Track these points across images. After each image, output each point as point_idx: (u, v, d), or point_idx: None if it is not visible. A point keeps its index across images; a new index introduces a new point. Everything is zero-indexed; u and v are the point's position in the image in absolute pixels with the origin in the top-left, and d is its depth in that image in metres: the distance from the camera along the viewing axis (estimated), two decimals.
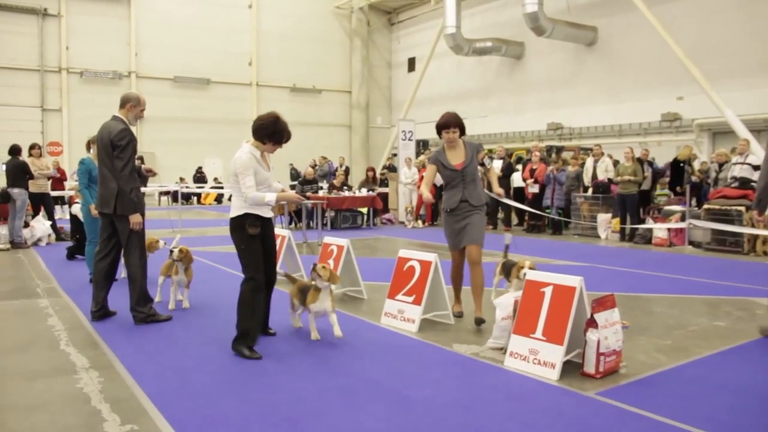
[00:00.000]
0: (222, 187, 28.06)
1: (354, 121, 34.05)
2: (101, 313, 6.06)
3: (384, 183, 19.00)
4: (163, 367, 4.68)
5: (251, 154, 4.90)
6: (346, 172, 20.57)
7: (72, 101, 27.67)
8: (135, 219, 5.83)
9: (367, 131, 34.47)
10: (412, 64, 33.48)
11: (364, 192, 16.63)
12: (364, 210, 16.50)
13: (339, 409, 3.84)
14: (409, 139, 18.68)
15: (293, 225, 15.14)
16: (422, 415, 3.75)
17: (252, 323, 4.92)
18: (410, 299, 5.90)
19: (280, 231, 7.90)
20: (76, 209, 9.66)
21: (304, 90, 32.85)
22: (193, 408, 3.85)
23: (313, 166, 20.71)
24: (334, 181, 16.95)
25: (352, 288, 7.25)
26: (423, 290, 5.81)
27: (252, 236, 4.89)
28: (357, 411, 3.82)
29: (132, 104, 5.95)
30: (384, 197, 18.00)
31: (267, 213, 5.01)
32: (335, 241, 7.29)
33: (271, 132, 4.93)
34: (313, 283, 5.22)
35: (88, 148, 8.37)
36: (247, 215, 4.89)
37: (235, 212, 4.95)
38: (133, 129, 5.99)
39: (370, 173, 18.71)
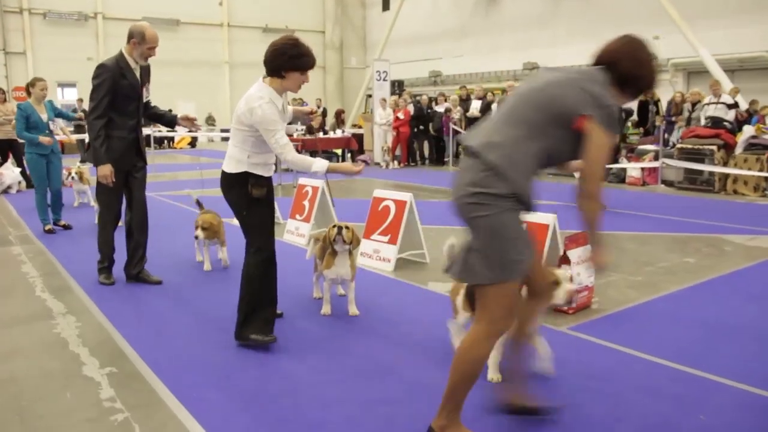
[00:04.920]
0: (195, 131, 27.64)
1: (328, 61, 33.38)
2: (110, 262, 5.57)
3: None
4: (140, 311, 4.69)
5: (272, 103, 3.77)
6: (324, 114, 20.28)
7: (36, 44, 26.62)
8: (102, 171, 5.06)
9: (341, 72, 33.91)
10: (386, 3, 32.65)
11: (339, 133, 16.47)
12: (338, 151, 16.39)
13: (317, 347, 3.90)
14: (384, 80, 18.45)
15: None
16: (401, 351, 3.82)
17: (264, 304, 3.95)
18: (386, 239, 5.94)
19: None
20: None
21: (277, 30, 31.91)
22: (170, 351, 3.88)
23: None
24: (312, 123, 16.70)
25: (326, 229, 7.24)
26: (398, 230, 5.86)
27: (257, 199, 3.91)
28: (336, 351, 3.88)
29: (136, 41, 5.00)
30: (359, 138, 17.89)
31: (269, 172, 3.98)
32: (310, 182, 7.26)
33: (292, 56, 3.82)
34: (333, 245, 4.44)
35: (29, 92, 7.79)
36: (248, 174, 3.86)
37: (231, 167, 3.88)
38: (137, 69, 5.13)
39: (342, 115, 18.59)
